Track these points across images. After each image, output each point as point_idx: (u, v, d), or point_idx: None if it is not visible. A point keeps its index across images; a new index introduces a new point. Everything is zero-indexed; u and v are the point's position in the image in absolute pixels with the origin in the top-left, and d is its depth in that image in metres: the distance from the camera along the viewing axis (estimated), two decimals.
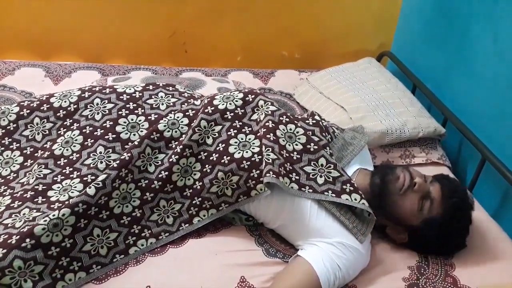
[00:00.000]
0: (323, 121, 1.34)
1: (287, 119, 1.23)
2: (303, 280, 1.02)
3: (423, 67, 1.88)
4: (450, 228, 1.12)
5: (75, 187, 1.10)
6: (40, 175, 1.13)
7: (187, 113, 1.25)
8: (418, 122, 1.57)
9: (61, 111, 1.26)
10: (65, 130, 1.23)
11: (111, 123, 1.22)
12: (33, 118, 1.25)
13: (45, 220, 0.98)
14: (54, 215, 0.99)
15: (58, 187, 1.11)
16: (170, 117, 1.23)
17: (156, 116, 1.26)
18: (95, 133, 1.20)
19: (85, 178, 1.11)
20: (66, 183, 1.11)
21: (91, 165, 1.14)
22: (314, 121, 1.29)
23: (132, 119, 1.24)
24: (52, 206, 1.06)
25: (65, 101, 1.27)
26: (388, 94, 1.68)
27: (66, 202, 1.04)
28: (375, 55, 2.11)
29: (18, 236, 0.95)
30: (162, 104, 1.30)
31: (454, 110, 1.62)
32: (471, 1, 1.59)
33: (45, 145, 1.22)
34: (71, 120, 1.25)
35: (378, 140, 1.52)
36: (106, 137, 1.19)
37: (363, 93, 1.68)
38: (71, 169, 1.14)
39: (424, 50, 1.90)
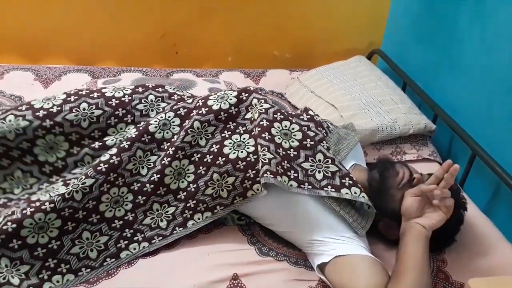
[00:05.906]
0: (317, 116, 1.33)
1: (282, 116, 1.20)
2: (367, 266, 1.01)
3: (413, 64, 1.89)
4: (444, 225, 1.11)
5: (58, 189, 1.08)
6: (26, 186, 1.12)
7: (178, 112, 1.22)
8: (409, 119, 1.58)
9: (41, 111, 1.17)
10: (44, 132, 1.16)
11: (100, 133, 1.19)
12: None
13: (31, 224, 0.99)
14: (37, 216, 0.99)
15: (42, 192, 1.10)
16: (161, 117, 1.20)
17: (145, 124, 1.22)
18: (82, 142, 1.17)
19: (68, 182, 1.10)
20: (52, 187, 1.11)
21: (77, 173, 1.13)
22: (308, 116, 1.28)
23: (121, 128, 1.21)
24: (32, 204, 1.03)
25: (48, 104, 1.19)
26: (378, 91, 1.69)
27: (46, 203, 1.02)
28: (365, 54, 2.12)
29: (3, 236, 0.96)
30: (152, 110, 1.26)
31: (444, 106, 1.64)
32: None
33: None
34: (51, 122, 1.16)
35: (369, 137, 1.53)
36: (93, 145, 1.17)
37: (354, 91, 1.68)
38: (57, 177, 1.14)
39: (414, 48, 1.91)
